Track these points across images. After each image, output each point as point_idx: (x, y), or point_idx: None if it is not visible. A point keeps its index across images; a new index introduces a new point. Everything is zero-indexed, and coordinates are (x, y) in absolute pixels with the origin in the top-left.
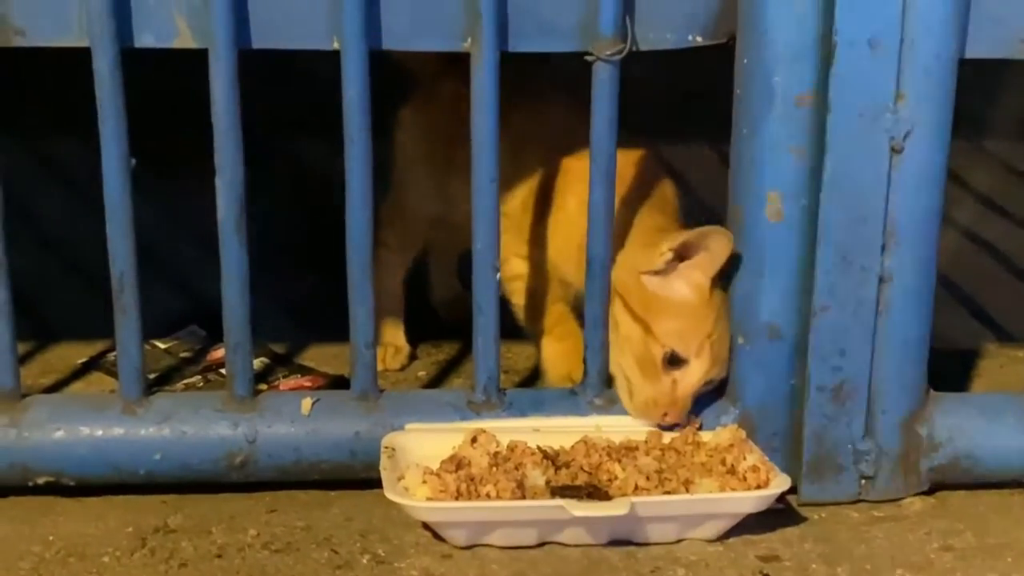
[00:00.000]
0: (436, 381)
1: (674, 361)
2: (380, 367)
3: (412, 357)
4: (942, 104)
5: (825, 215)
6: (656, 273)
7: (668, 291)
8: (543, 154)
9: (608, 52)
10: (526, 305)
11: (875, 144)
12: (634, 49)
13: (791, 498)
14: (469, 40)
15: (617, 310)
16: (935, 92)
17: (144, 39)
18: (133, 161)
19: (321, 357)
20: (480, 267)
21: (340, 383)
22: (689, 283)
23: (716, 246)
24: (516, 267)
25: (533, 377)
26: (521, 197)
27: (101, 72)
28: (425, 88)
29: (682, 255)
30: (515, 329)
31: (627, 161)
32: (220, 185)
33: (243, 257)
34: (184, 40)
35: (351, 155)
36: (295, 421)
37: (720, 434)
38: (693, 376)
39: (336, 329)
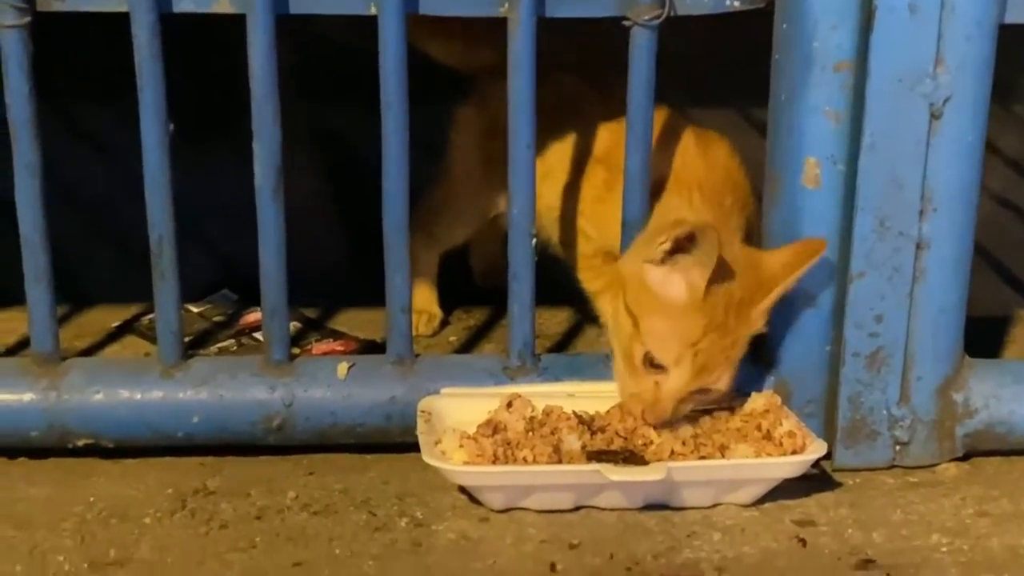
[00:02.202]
0: (467, 347)
1: (655, 365)
2: (414, 332)
3: (444, 323)
4: (982, 70)
5: (863, 181)
6: (658, 264)
7: (664, 287)
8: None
9: (646, 17)
10: (582, 265)
11: (914, 110)
12: (672, 14)
13: (826, 464)
14: (507, 5)
15: (618, 297)
16: (975, 58)
17: (183, 4)
18: (171, 126)
19: (352, 322)
20: (516, 233)
21: (372, 348)
22: (686, 281)
23: (705, 243)
24: (579, 222)
25: (565, 342)
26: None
27: (140, 38)
28: (482, 88)
29: (681, 248)
30: (547, 294)
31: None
32: (258, 151)
33: (280, 224)
34: (223, 5)
35: (388, 120)
36: (331, 385)
37: (756, 400)
38: (672, 384)
39: (367, 294)
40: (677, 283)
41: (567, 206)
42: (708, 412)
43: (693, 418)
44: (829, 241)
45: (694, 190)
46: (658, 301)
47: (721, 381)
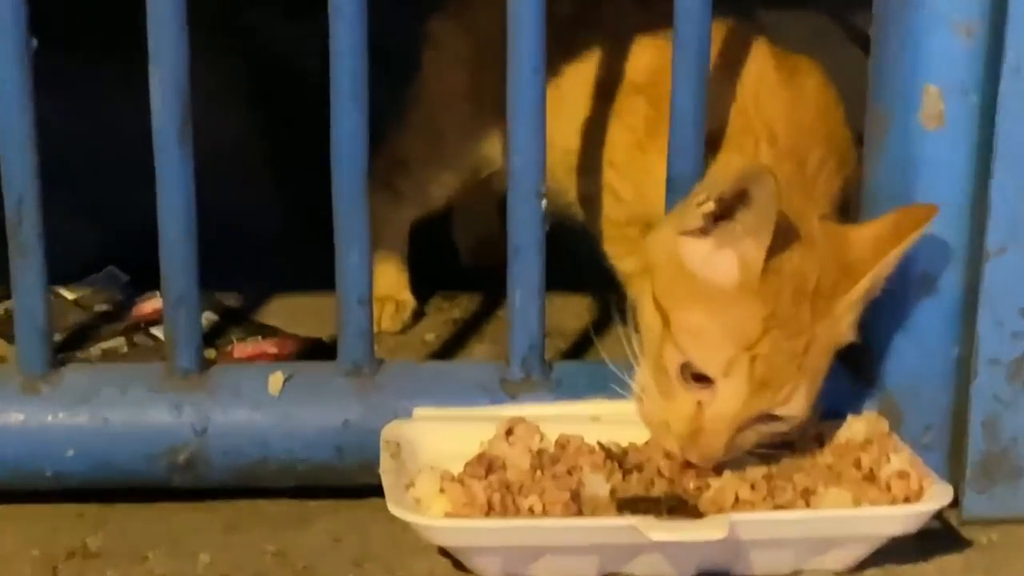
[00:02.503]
0: (450, 348)
1: (698, 377)
2: (376, 329)
3: (418, 315)
4: None
5: (1005, 119)
6: (698, 235)
7: (707, 267)
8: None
9: None
10: (611, 236)
11: None
12: None
13: (950, 514)
14: None
15: (646, 287)
16: None
17: None
18: (34, 42)
19: (290, 313)
20: (519, 191)
21: (318, 350)
22: (737, 256)
23: (760, 197)
24: (606, 175)
25: (587, 343)
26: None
27: None
28: None
29: (728, 210)
30: (562, 276)
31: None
32: (155, 76)
33: (187, 177)
34: None
35: (339, 31)
36: (261, 404)
37: (853, 426)
38: (722, 405)
39: (311, 275)
40: (725, 260)
41: (590, 152)
42: (789, 445)
43: (768, 455)
44: (957, 203)
45: (763, 140)
46: (699, 287)
47: (793, 403)
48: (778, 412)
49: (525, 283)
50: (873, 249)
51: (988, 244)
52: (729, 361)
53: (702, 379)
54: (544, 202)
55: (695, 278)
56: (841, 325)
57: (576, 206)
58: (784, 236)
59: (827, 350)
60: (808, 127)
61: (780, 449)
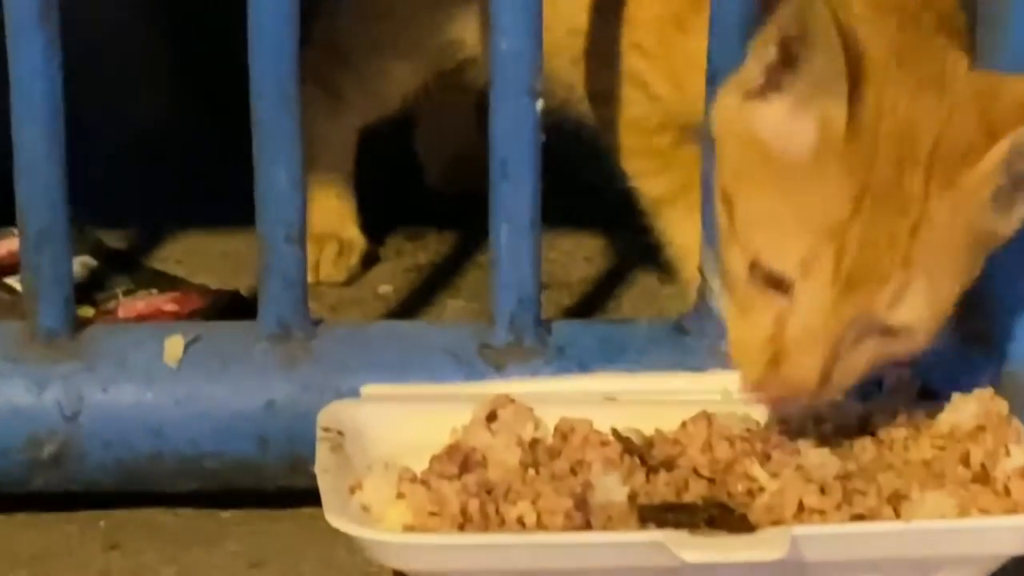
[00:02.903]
0: (413, 304)
1: (773, 282)
2: (311, 278)
3: (370, 259)
4: None
5: None
6: (763, 95)
7: (780, 137)
8: None
9: None
10: (634, 147)
11: None
12: None
13: None
14: None
15: (678, 214)
16: None
17: None
18: None
19: (197, 257)
20: (506, 89)
21: (235, 307)
22: (814, 115)
23: (817, 27)
24: (630, 63)
25: (599, 296)
26: None
27: None
28: None
29: (791, 56)
30: (565, 208)
31: None
32: None
33: (51, 70)
34: None
35: None
36: (154, 379)
37: (961, 409)
38: (805, 314)
39: (226, 208)
40: (799, 122)
41: (607, 33)
42: (870, 431)
43: (841, 445)
44: None
45: None
46: (772, 163)
47: (905, 307)
48: (889, 321)
49: (514, 214)
50: (1021, 102)
51: None
52: (807, 253)
53: (778, 283)
54: (540, 103)
55: (766, 152)
56: (974, 205)
57: (587, 109)
58: (882, 79)
59: (954, 239)
60: None
61: (866, 436)
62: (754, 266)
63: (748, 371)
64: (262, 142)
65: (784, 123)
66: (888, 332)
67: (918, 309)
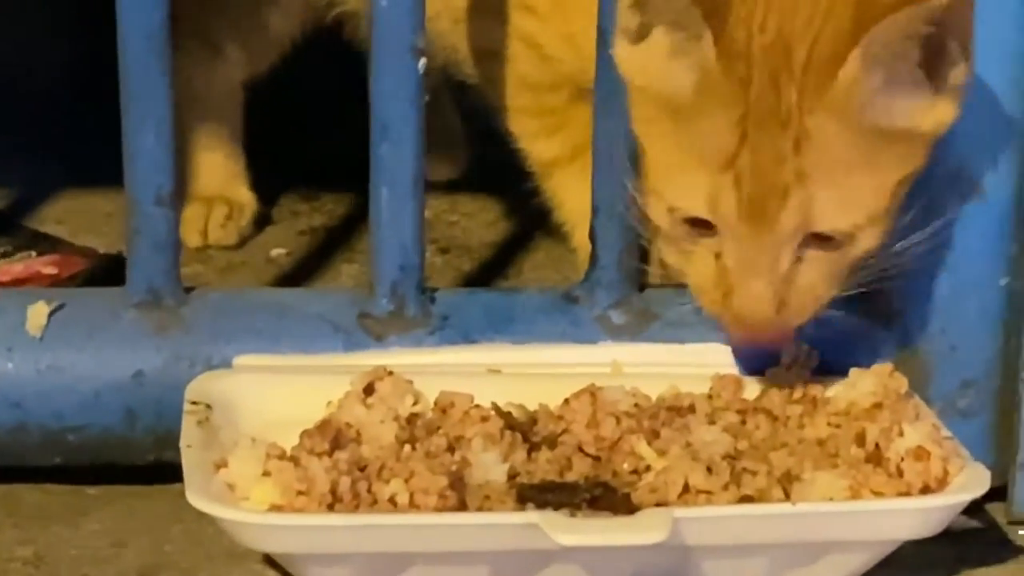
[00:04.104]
0: (307, 269)
1: (696, 223)
2: (196, 240)
3: (262, 220)
4: None
5: None
6: (634, 36)
7: (660, 78)
8: None
9: None
10: (523, 106)
11: None
12: None
13: (996, 509)
14: None
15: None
16: None
17: None
18: None
19: (80, 218)
20: (386, 46)
21: (119, 271)
22: (686, 52)
23: None
24: (520, 23)
25: (492, 263)
26: None
27: None
28: None
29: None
30: (473, 169)
31: None
32: None
33: None
34: None
35: None
36: (15, 348)
37: (859, 384)
38: (733, 249)
39: (110, 164)
40: (675, 60)
41: None
42: (765, 410)
43: (735, 420)
44: (1007, 45)
45: None
46: (662, 107)
47: (823, 215)
48: (815, 229)
49: (395, 177)
50: None
51: None
52: (710, 190)
53: (702, 223)
54: (423, 62)
55: (656, 96)
56: (853, 106)
57: (471, 67)
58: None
59: (850, 143)
60: None
61: (762, 415)
62: (672, 211)
63: (714, 314)
64: (129, 99)
65: (663, 64)
66: (827, 243)
67: (837, 214)
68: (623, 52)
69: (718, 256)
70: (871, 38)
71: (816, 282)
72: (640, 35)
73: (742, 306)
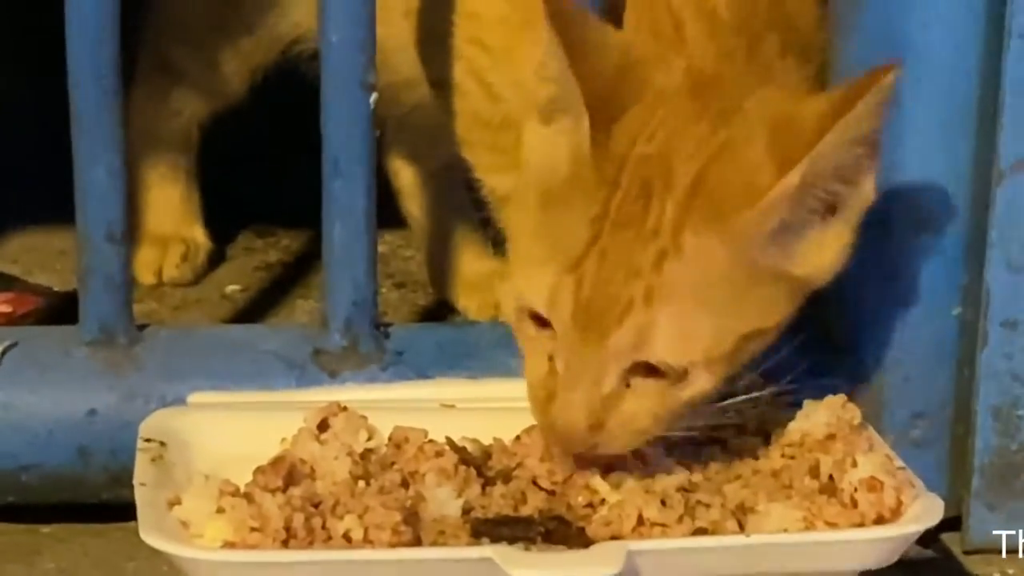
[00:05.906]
0: (262, 305)
1: (539, 320)
2: (151, 279)
3: (217, 258)
4: None
5: None
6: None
7: (546, 164)
8: None
9: None
10: (478, 140)
11: None
12: None
13: (951, 539)
14: None
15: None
16: None
17: None
18: None
19: (34, 256)
20: (336, 82)
21: (74, 309)
22: (568, 143)
23: (550, 54)
24: (471, 56)
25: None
26: None
27: None
28: None
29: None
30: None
31: None
32: None
33: None
34: None
35: None
36: None
37: (812, 416)
38: (560, 350)
39: (65, 201)
40: (557, 147)
41: (441, 14)
42: (720, 442)
43: (690, 456)
44: (957, 98)
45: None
46: (538, 193)
47: (658, 344)
48: (641, 358)
49: (347, 212)
50: (815, 127)
51: (1001, 160)
52: (553, 286)
53: (544, 321)
54: (374, 97)
55: (537, 183)
56: (750, 240)
57: (425, 95)
58: (655, 107)
59: (724, 274)
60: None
61: (716, 445)
62: (519, 301)
63: (535, 416)
64: (80, 135)
65: (550, 148)
66: (656, 373)
67: (674, 347)
68: (531, 130)
69: (551, 358)
70: (795, 177)
71: (639, 413)
72: (550, 117)
73: (557, 415)
